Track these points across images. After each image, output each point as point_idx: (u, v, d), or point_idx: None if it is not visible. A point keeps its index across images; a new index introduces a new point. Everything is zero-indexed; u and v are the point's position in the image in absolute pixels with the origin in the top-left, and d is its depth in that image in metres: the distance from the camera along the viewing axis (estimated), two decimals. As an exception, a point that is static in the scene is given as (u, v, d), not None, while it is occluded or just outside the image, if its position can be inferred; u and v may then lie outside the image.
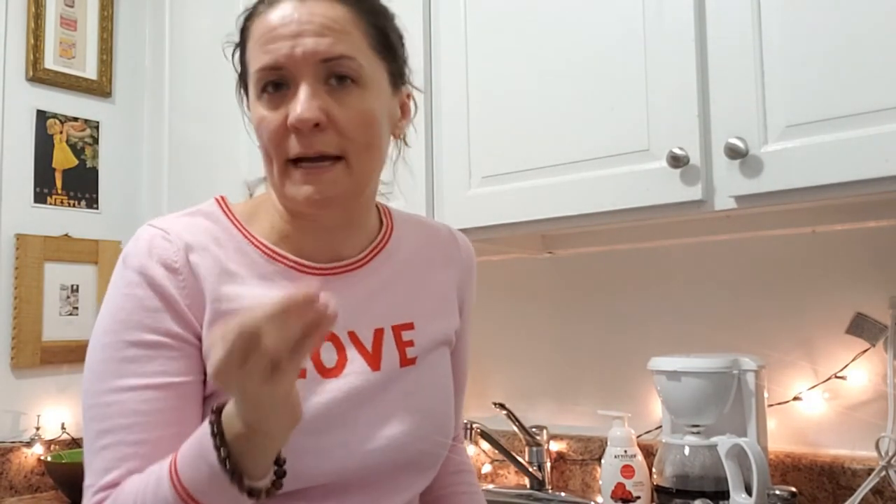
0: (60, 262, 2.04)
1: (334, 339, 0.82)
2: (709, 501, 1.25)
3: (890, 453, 1.25)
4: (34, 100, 2.04)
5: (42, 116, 2.04)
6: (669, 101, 1.17)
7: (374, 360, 0.84)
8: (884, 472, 1.25)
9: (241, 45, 0.85)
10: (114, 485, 0.73)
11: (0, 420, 1.91)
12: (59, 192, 2.06)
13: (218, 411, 0.68)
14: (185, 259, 0.79)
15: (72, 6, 2.12)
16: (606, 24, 1.25)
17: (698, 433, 1.31)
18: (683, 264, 1.54)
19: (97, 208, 2.13)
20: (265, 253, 0.83)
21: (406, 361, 0.86)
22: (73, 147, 2.10)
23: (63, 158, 2.08)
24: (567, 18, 1.30)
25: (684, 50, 1.16)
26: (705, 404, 1.29)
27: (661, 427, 1.44)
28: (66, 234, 2.06)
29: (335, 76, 0.78)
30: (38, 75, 2.03)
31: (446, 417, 0.90)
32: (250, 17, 0.83)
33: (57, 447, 1.95)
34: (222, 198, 0.88)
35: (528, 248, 1.67)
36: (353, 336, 0.84)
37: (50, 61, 2.06)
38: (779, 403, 1.39)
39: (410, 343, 0.87)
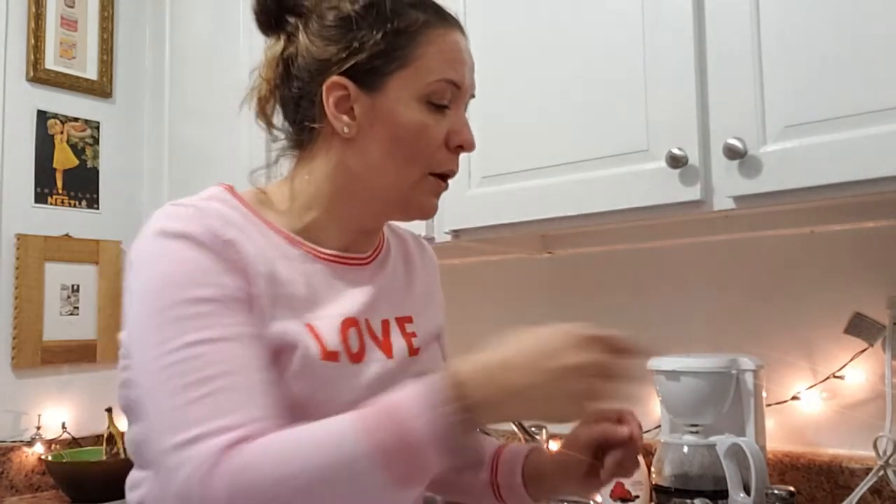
0: (61, 262, 2.04)
1: (356, 325, 0.84)
2: (707, 501, 1.25)
3: (888, 453, 1.25)
4: (35, 100, 2.04)
5: (43, 117, 2.05)
6: (668, 102, 1.17)
7: (386, 348, 0.86)
8: (882, 472, 1.26)
9: (410, 34, 0.82)
10: (232, 427, 0.68)
11: (1, 420, 1.92)
12: (60, 192, 2.07)
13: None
14: (223, 231, 0.78)
15: (72, 7, 2.12)
16: (606, 24, 1.26)
17: (697, 433, 1.31)
18: (682, 264, 1.54)
19: (97, 208, 2.14)
20: (286, 238, 0.84)
21: (413, 351, 0.89)
22: (73, 147, 2.10)
23: (63, 158, 2.08)
24: (566, 19, 1.31)
25: (683, 50, 1.16)
26: (704, 404, 1.29)
27: (659, 426, 1.44)
28: (66, 234, 2.06)
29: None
30: (39, 75, 2.04)
31: None
32: (428, 21, 0.83)
33: (57, 447, 1.95)
34: (230, 186, 0.88)
35: (528, 248, 1.68)
36: (367, 324, 0.86)
37: (50, 61, 2.07)
38: (777, 403, 1.39)
39: (413, 334, 0.90)
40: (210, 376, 0.70)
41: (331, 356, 0.79)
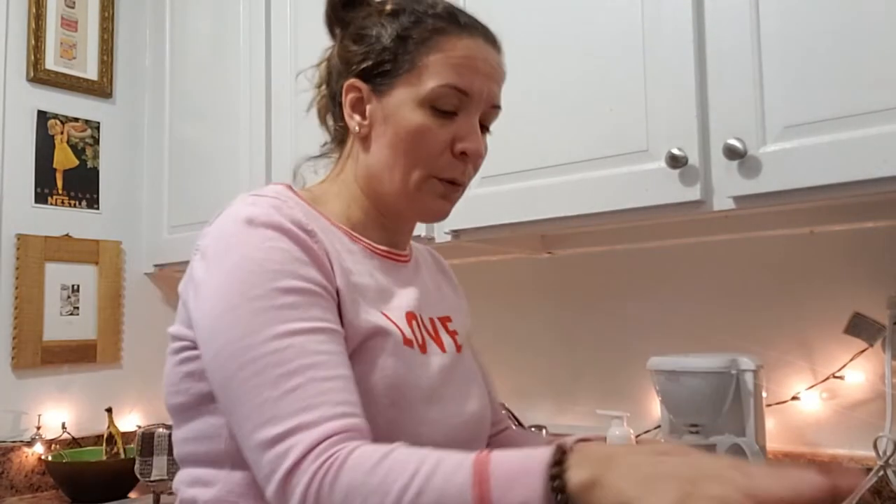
0: (61, 262, 2.04)
1: (417, 319, 0.87)
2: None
3: (888, 453, 1.25)
4: (35, 100, 2.04)
5: (43, 117, 2.05)
6: (668, 102, 1.18)
7: (439, 343, 0.89)
8: (882, 472, 1.26)
9: (419, 41, 0.84)
10: (326, 419, 0.68)
11: (1, 420, 1.92)
12: (60, 192, 2.07)
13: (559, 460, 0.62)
14: (306, 222, 0.79)
15: (72, 7, 2.12)
16: (605, 24, 1.26)
17: (697, 433, 1.31)
18: (682, 264, 1.54)
19: (98, 208, 2.14)
20: (346, 233, 0.87)
21: (458, 347, 0.92)
22: (73, 147, 2.10)
23: (64, 159, 2.08)
24: (566, 19, 1.31)
25: (683, 51, 1.16)
26: (704, 404, 1.30)
27: (659, 426, 1.44)
28: (66, 235, 2.06)
29: (484, 122, 0.88)
30: (39, 76, 2.04)
31: (488, 401, 0.97)
32: (441, 28, 0.84)
33: (58, 447, 1.95)
34: (289, 185, 0.89)
35: (528, 248, 1.68)
36: (421, 319, 0.89)
37: (51, 62, 2.07)
38: (777, 403, 1.39)
39: (455, 332, 0.94)
40: (301, 367, 0.70)
41: (408, 343, 0.82)
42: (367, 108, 0.86)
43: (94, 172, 2.14)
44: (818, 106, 1.05)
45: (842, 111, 1.03)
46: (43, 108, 2.05)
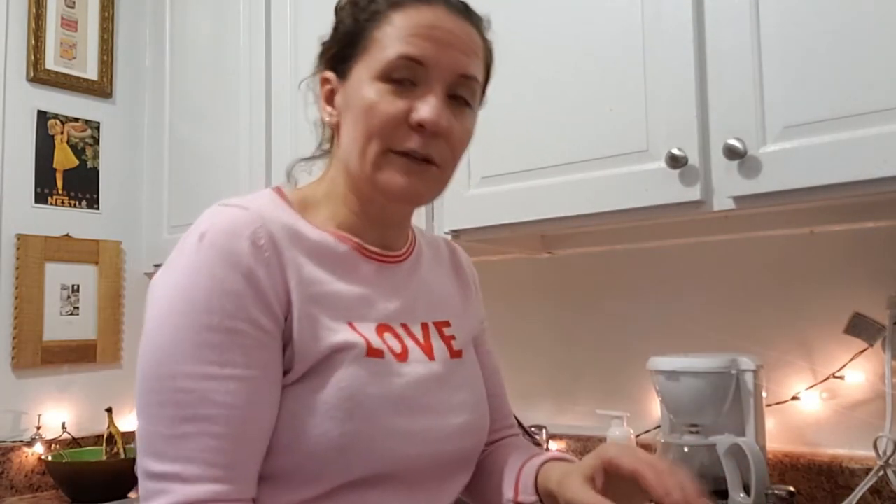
0: (61, 262, 2.04)
1: (392, 330, 0.84)
2: (707, 501, 1.25)
3: (888, 453, 1.25)
4: (35, 100, 2.04)
5: (43, 117, 2.05)
6: (668, 102, 1.18)
7: (427, 350, 0.86)
8: (882, 472, 1.26)
9: (371, 18, 0.83)
10: (210, 480, 0.70)
11: (1, 420, 1.92)
12: (60, 192, 2.07)
13: None
14: (269, 236, 0.76)
15: (72, 7, 2.12)
16: (605, 24, 1.26)
17: (697, 433, 1.31)
18: (682, 264, 1.54)
19: (98, 208, 2.14)
20: (334, 235, 0.84)
21: (454, 353, 0.89)
22: (73, 147, 2.10)
23: (64, 159, 2.08)
24: (566, 19, 1.31)
25: (683, 50, 1.16)
26: (704, 404, 1.29)
27: (659, 426, 1.44)
28: (66, 235, 2.06)
29: (455, 94, 0.83)
30: (39, 76, 2.04)
31: (486, 410, 0.93)
32: (396, 3, 0.82)
33: (58, 447, 1.95)
34: (279, 187, 0.88)
35: (528, 248, 1.68)
36: (405, 328, 0.86)
37: (51, 62, 2.07)
38: (777, 403, 1.39)
39: (452, 337, 0.91)
40: (198, 416, 0.70)
41: (375, 353, 0.80)
42: (337, 97, 0.85)
43: (94, 172, 2.14)
44: (818, 106, 1.05)
45: (842, 111, 1.03)
46: (43, 108, 2.05)
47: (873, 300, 1.31)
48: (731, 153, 1.09)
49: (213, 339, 0.72)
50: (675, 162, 1.14)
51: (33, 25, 2.04)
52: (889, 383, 1.28)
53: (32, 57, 2.03)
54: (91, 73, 2.15)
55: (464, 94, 0.83)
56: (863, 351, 1.32)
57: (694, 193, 1.14)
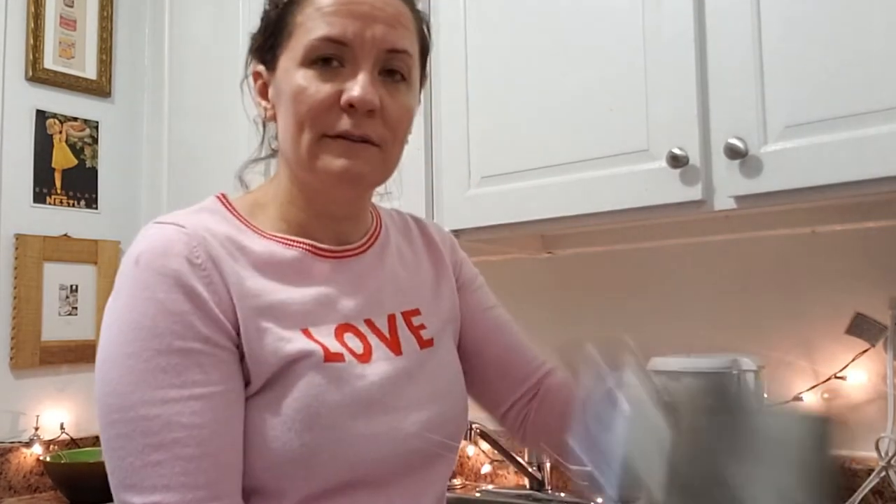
0: (60, 262, 2.04)
1: (353, 329, 0.81)
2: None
3: (889, 454, 1.25)
4: (34, 100, 2.04)
5: (41, 116, 2.04)
6: (669, 102, 1.17)
7: (393, 345, 0.84)
8: (883, 473, 1.25)
9: (291, 2, 0.81)
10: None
11: (-1, 420, 1.91)
12: (59, 192, 2.06)
13: None
14: (206, 252, 0.75)
15: (71, 6, 2.12)
16: (606, 24, 1.25)
17: (698, 433, 1.30)
18: (683, 264, 1.54)
19: (96, 208, 2.14)
20: (281, 241, 0.82)
21: (424, 343, 0.87)
22: (72, 147, 2.10)
23: (62, 158, 2.08)
24: (566, 19, 1.30)
25: (684, 50, 1.15)
26: (705, 404, 1.29)
27: (660, 427, 1.44)
28: (65, 234, 2.06)
29: (388, 69, 0.80)
30: (38, 75, 2.04)
31: (464, 400, 0.92)
32: None
33: (56, 447, 1.95)
34: (223, 195, 0.86)
35: (528, 248, 1.67)
36: (370, 323, 0.83)
37: (49, 61, 2.06)
38: (778, 404, 1.38)
39: (422, 326, 0.88)
40: (167, 442, 0.69)
41: (334, 357, 0.77)
42: (270, 90, 0.83)
43: (93, 172, 2.14)
44: (820, 105, 1.04)
45: (843, 111, 1.02)
46: (41, 108, 2.05)
47: (875, 300, 1.31)
48: (733, 153, 1.09)
49: (168, 362, 0.70)
50: (676, 161, 1.14)
51: (32, 25, 2.03)
52: (891, 384, 1.27)
53: (31, 56, 2.03)
54: (90, 72, 2.15)
55: (398, 69, 0.80)
56: (865, 351, 1.31)
57: (695, 193, 1.14)
